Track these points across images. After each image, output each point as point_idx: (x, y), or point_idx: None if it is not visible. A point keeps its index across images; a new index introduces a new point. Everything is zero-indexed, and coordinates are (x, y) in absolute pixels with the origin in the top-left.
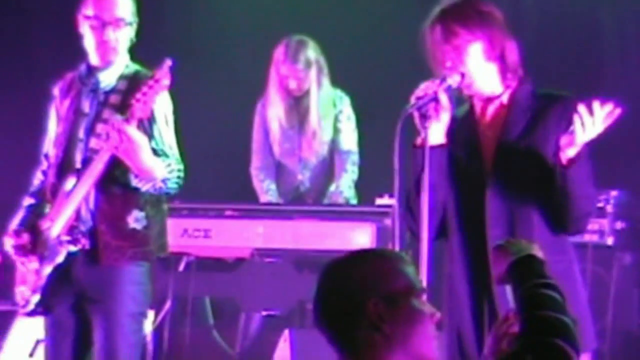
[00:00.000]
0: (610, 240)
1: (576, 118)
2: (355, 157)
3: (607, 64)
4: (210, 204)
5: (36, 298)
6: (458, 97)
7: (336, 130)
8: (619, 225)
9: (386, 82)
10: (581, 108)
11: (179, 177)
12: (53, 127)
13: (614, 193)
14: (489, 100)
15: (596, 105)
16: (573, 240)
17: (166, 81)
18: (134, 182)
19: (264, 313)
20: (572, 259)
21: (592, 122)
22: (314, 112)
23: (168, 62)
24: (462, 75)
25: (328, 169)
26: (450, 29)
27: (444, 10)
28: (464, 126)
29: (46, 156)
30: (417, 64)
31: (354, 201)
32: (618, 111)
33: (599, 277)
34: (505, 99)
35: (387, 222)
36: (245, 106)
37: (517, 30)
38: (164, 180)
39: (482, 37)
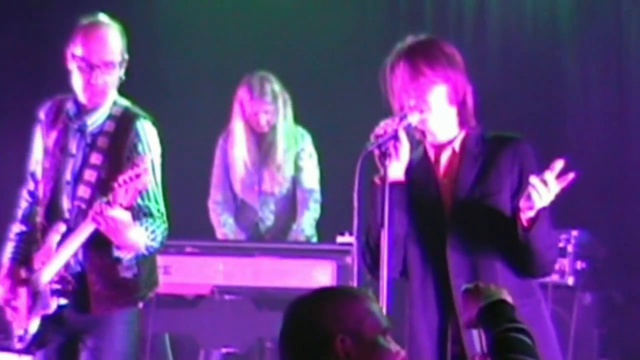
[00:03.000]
0: (570, 280)
1: (531, 189)
2: (317, 196)
3: (570, 106)
4: (170, 241)
5: (26, 337)
6: (413, 137)
7: (298, 168)
8: (579, 265)
9: (346, 120)
10: (534, 180)
11: (163, 237)
12: (39, 149)
13: (574, 233)
14: (441, 146)
15: (548, 175)
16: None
17: (147, 178)
18: (116, 253)
19: (224, 350)
20: (539, 299)
21: (547, 190)
22: (280, 146)
23: (149, 156)
24: (422, 112)
25: (290, 206)
26: (417, 67)
27: (411, 48)
28: (420, 170)
29: (32, 175)
30: (378, 101)
31: (314, 239)
32: (571, 175)
33: (559, 317)
34: (457, 145)
35: (348, 260)
36: (206, 140)
37: (478, 71)
38: (147, 248)
39: (447, 79)
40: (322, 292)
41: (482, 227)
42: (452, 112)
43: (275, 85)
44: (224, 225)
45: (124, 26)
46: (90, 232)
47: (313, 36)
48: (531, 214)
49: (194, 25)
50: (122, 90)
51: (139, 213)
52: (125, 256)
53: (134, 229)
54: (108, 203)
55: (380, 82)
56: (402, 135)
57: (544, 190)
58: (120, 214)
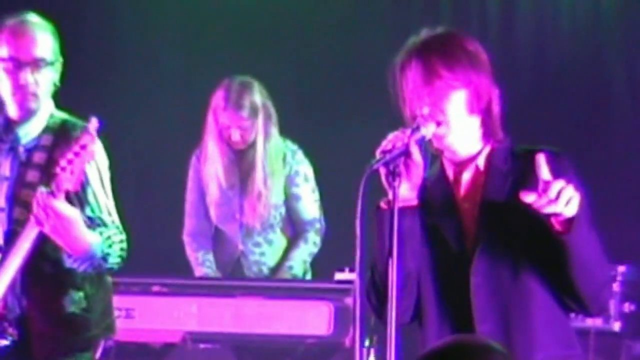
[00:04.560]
0: (617, 326)
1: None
2: (319, 225)
3: (617, 115)
4: (134, 278)
5: None
6: (431, 152)
7: (292, 196)
8: (627, 307)
9: (346, 133)
10: (528, 198)
11: (121, 249)
12: None
13: (621, 268)
14: (462, 164)
15: (542, 179)
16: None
17: (94, 147)
18: (68, 263)
19: None
20: (580, 354)
21: (552, 197)
22: (259, 169)
23: (94, 123)
24: (439, 124)
25: (279, 238)
26: (432, 68)
27: (426, 44)
28: (436, 191)
29: None
30: (384, 110)
31: (308, 277)
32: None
33: None
34: (481, 162)
35: (348, 301)
36: (177, 161)
37: (507, 73)
38: (104, 257)
39: (468, 83)
40: (457, 347)
41: (514, 260)
42: (474, 123)
43: (256, 96)
44: (203, 263)
45: (76, 25)
46: (33, 242)
47: (306, 35)
48: (569, 211)
49: (162, 23)
50: (71, 97)
51: (90, 225)
52: (80, 266)
53: (85, 229)
54: (51, 193)
55: (389, 85)
56: (415, 151)
57: (550, 199)
58: (66, 208)
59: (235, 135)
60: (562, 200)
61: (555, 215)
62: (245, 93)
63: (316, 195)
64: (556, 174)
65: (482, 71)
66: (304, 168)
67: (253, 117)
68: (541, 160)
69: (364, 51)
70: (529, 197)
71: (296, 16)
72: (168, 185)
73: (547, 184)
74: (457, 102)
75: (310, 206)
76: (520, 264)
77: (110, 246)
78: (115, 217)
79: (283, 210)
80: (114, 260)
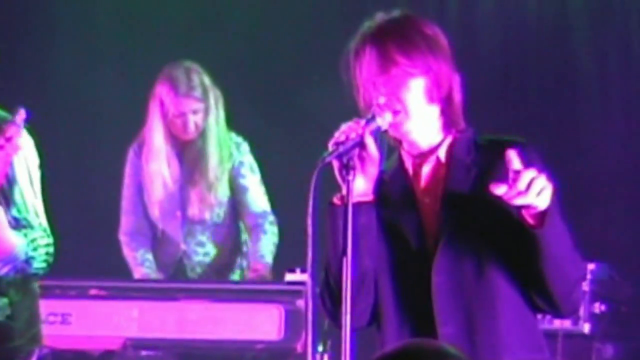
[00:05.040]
0: (586, 328)
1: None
2: (272, 218)
3: (585, 105)
4: (70, 281)
5: None
6: (388, 144)
7: (240, 188)
8: (598, 307)
9: (294, 125)
10: (497, 190)
11: (47, 253)
12: None
13: (591, 266)
14: (422, 155)
15: (512, 170)
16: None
17: (20, 139)
18: None
19: None
20: (549, 358)
21: (523, 187)
22: (212, 156)
23: (21, 114)
24: (396, 113)
25: (230, 236)
26: (388, 55)
27: (381, 28)
28: (395, 185)
29: None
30: (336, 100)
31: None
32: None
33: None
34: (442, 154)
35: (300, 303)
36: (114, 155)
37: (468, 59)
38: (27, 260)
39: (427, 70)
40: (408, 352)
41: (479, 257)
42: (434, 112)
43: (204, 77)
44: (143, 263)
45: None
46: None
47: (249, 19)
48: (541, 203)
49: (97, 6)
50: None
51: (15, 226)
52: (1, 269)
53: (8, 229)
54: None
55: (342, 72)
56: (370, 142)
57: (521, 190)
58: None
59: (191, 123)
60: (533, 190)
61: (527, 207)
62: (194, 75)
63: (264, 189)
64: (524, 165)
65: (441, 57)
66: (250, 159)
67: (205, 99)
68: (512, 155)
69: (319, 39)
70: (499, 189)
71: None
72: (105, 181)
73: (517, 173)
74: (416, 90)
75: (259, 198)
76: (486, 261)
77: (35, 249)
78: (43, 219)
79: (226, 208)
80: (38, 264)
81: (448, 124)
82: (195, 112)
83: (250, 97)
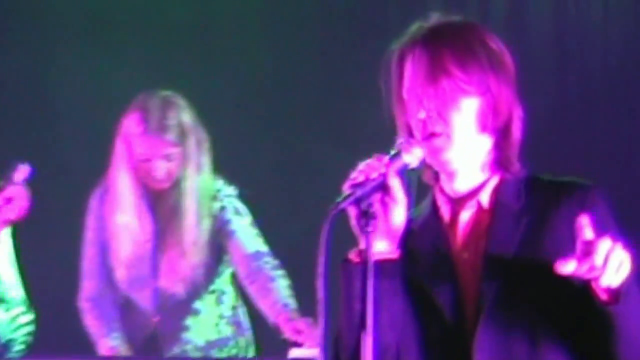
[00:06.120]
0: None
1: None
2: (274, 262)
3: None
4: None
5: None
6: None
7: (225, 236)
8: None
9: (301, 166)
10: (565, 267)
11: (28, 334)
12: None
13: None
14: (461, 200)
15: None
16: None
17: (23, 202)
18: None
19: None
20: None
21: (600, 261)
22: (186, 213)
23: (22, 170)
24: (434, 136)
25: (208, 307)
26: (441, 62)
27: (436, 31)
28: (426, 237)
29: None
30: (349, 133)
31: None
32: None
33: None
34: (485, 198)
35: None
36: (73, 199)
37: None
38: (6, 344)
39: (484, 90)
40: None
41: (531, 332)
42: (484, 144)
43: (184, 114)
44: (109, 333)
45: None
46: None
47: (252, 48)
48: (615, 280)
49: (59, 21)
50: None
51: None
52: None
53: None
54: None
55: (380, 79)
56: (395, 184)
57: (597, 264)
58: None
59: (160, 170)
60: (610, 267)
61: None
62: (170, 111)
63: (257, 232)
64: (593, 217)
65: (504, 78)
66: (233, 202)
67: (181, 142)
68: (584, 222)
69: (322, 71)
70: (567, 267)
71: (240, 25)
72: (66, 234)
73: (590, 245)
74: (467, 111)
75: (251, 239)
76: (540, 339)
77: (15, 329)
78: (20, 290)
79: (208, 269)
80: (19, 347)
81: (498, 163)
82: (167, 157)
83: (244, 133)
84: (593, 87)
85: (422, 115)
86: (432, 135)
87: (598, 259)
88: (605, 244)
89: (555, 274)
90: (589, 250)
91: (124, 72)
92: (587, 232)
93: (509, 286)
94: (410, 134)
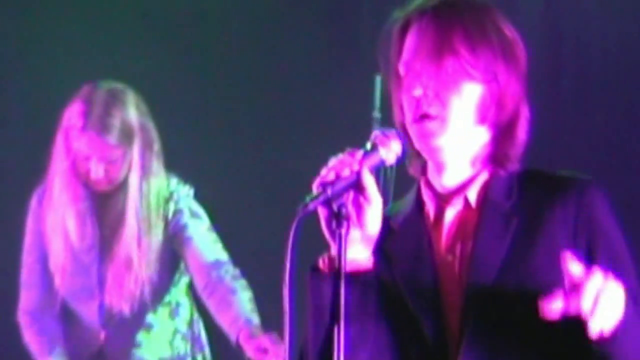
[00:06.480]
0: None
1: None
2: (234, 271)
3: None
4: None
5: None
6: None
7: (181, 243)
8: None
9: (261, 163)
10: (550, 307)
11: None
12: None
13: None
14: (447, 196)
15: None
16: None
17: None
18: None
19: None
20: None
21: (590, 301)
22: (131, 222)
23: None
24: (429, 118)
25: (161, 321)
26: (449, 38)
27: (450, 3)
28: (407, 239)
29: None
30: (312, 132)
31: None
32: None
33: None
34: (472, 194)
35: None
36: (13, 202)
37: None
38: None
39: (490, 77)
40: None
41: (518, 351)
42: (480, 136)
43: (130, 112)
44: (51, 351)
45: None
46: None
47: (212, 35)
48: (607, 325)
49: None
50: None
51: None
52: None
53: None
54: None
55: (379, 52)
56: (369, 183)
57: (585, 308)
58: None
59: (97, 171)
60: (600, 310)
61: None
62: (115, 107)
63: (216, 237)
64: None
65: (514, 71)
66: (189, 204)
67: (125, 143)
68: (568, 259)
69: (281, 63)
70: (552, 308)
71: (201, 15)
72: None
73: (578, 286)
74: (468, 97)
75: (209, 246)
76: (529, 352)
77: None
78: None
79: (160, 279)
80: None
81: (493, 159)
82: (107, 159)
83: (201, 128)
84: (590, 86)
85: (417, 92)
86: (426, 116)
87: (586, 301)
88: (594, 282)
89: (547, 288)
90: (577, 285)
91: (68, 60)
92: (573, 267)
93: (496, 300)
94: (403, 113)
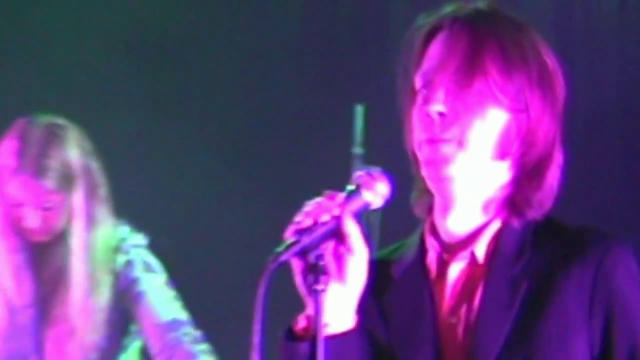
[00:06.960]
0: None
1: None
2: (194, 333)
3: None
4: None
5: None
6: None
7: (132, 302)
8: None
9: (220, 212)
10: None
11: None
12: None
13: None
14: (451, 248)
15: None
16: None
17: None
18: None
19: None
20: None
21: None
22: (75, 279)
23: None
24: (442, 142)
25: None
26: (481, 55)
27: (486, 15)
28: (407, 289)
29: None
30: (285, 171)
31: None
32: None
33: None
34: (480, 249)
35: None
36: None
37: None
38: None
39: (520, 107)
40: None
41: None
42: (497, 175)
43: (71, 152)
44: None
45: None
46: None
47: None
48: None
49: None
50: None
51: None
52: None
53: None
54: None
55: (399, 64)
56: (352, 230)
57: None
58: None
59: (32, 219)
60: None
61: None
62: (53, 147)
63: (173, 294)
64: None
65: (550, 104)
66: (141, 254)
67: (64, 188)
68: None
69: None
70: None
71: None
72: None
73: None
74: (491, 125)
75: (166, 304)
76: None
77: None
78: None
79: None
80: None
81: (510, 204)
82: (44, 207)
83: (156, 171)
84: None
85: (434, 108)
86: (440, 140)
87: None
88: None
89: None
90: None
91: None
92: None
93: None
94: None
